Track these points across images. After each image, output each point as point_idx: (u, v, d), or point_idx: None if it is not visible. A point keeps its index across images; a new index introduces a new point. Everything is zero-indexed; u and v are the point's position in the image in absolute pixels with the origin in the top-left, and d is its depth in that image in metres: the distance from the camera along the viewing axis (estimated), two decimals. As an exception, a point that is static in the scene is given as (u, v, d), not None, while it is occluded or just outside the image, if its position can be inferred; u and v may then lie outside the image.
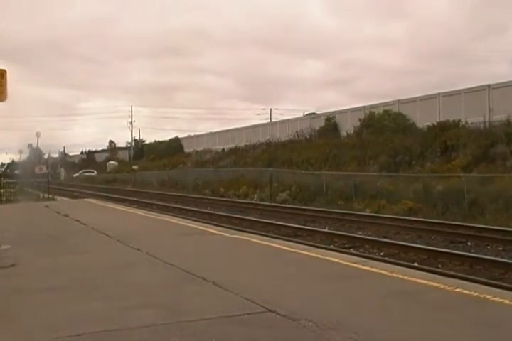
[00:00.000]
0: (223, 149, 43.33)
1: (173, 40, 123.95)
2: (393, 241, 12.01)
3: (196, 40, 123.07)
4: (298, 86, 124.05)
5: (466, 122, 23.41)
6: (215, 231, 10.54)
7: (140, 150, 64.55)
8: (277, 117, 62.43)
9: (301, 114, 46.79)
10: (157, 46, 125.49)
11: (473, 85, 26.15)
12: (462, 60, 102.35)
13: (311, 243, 11.07)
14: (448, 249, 10.98)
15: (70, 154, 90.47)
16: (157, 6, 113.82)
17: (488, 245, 11.55)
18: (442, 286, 5.39)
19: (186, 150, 52.33)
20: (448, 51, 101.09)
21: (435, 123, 24.20)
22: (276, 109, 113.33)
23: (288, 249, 8.16)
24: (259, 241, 9.07)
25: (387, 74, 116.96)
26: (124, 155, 69.70)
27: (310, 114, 43.27)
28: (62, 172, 64.79)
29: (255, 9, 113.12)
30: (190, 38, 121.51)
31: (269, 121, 56.70)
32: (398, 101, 29.93)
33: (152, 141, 64.37)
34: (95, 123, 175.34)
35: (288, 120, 41.58)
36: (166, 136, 59.41)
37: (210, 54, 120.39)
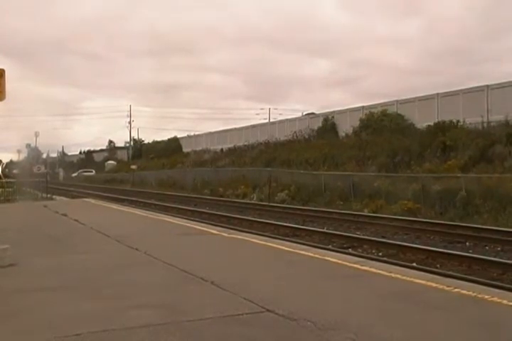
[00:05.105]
0: (222, 149, 43.34)
1: (178, 38, 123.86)
2: (392, 242, 12.02)
3: (201, 39, 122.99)
4: (304, 85, 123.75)
5: (465, 122, 23.45)
6: (213, 231, 10.54)
7: (139, 150, 64.52)
8: (276, 117, 62.45)
9: (301, 114, 46.84)
10: (162, 44, 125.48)
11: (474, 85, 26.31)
12: (473, 59, 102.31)
13: (309, 243, 11.07)
14: (446, 249, 11.00)
15: (69, 154, 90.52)
16: (161, 4, 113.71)
17: (486, 245, 11.56)
18: (441, 286, 5.40)
19: (185, 150, 52.32)
20: (458, 50, 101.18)
21: (434, 123, 24.24)
22: (275, 108, 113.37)
23: (287, 249, 8.17)
24: (257, 241, 9.07)
25: (396, 73, 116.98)
26: (123, 155, 69.70)
27: (309, 113, 43.28)
28: (61, 171, 64.72)
29: (263, 7, 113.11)
30: (196, 36, 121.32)
31: (268, 121, 56.74)
32: (397, 101, 29.98)
33: (154, 141, 64.27)
34: (96, 123, 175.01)
35: (287, 120, 41.60)
36: (169, 136, 59.33)
37: (215, 52, 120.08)
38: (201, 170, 36.54)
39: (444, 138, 21.87)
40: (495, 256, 10.24)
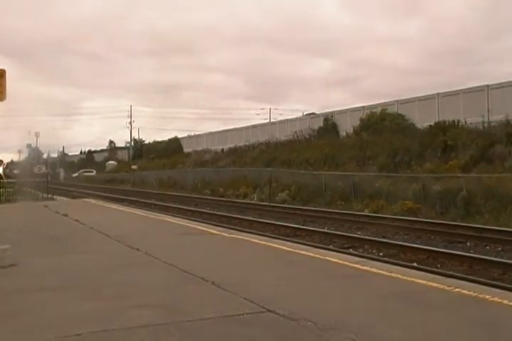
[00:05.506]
0: (222, 149, 43.33)
1: (178, 38, 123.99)
2: (392, 242, 12.01)
3: (201, 39, 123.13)
4: (304, 85, 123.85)
5: (465, 122, 23.45)
6: (214, 231, 10.54)
7: (139, 150, 64.53)
8: (276, 117, 62.43)
9: (301, 114, 46.83)
10: (162, 44, 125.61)
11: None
12: (473, 59, 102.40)
13: (310, 243, 11.06)
14: (447, 249, 10.99)
15: (70, 154, 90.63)
16: (161, 4, 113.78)
17: (487, 245, 11.55)
18: (441, 286, 5.39)
19: (186, 150, 52.31)
20: (458, 50, 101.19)
21: (434, 123, 24.24)
22: (276, 109, 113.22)
23: (287, 249, 8.16)
24: (258, 241, 9.06)
25: (396, 73, 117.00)
26: (123, 155, 69.72)
27: (309, 113, 43.28)
28: (62, 172, 64.77)
29: (263, 7, 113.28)
30: (196, 36, 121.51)
31: (268, 121, 56.73)
32: (397, 101, 29.96)
33: (155, 141, 64.24)
34: (96, 123, 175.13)
35: (287, 120, 41.59)
36: (169, 136, 59.42)
37: (215, 52, 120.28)
38: (202, 170, 36.54)
39: (445, 138, 21.87)
40: (496, 256, 10.22)
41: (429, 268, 8.84)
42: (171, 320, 4.30)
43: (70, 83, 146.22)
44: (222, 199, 26.63)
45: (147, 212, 16.66)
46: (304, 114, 45.98)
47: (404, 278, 5.85)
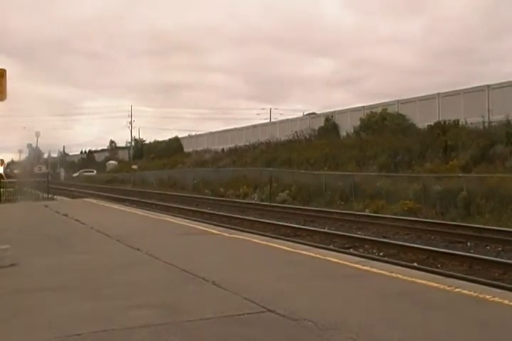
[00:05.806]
0: (223, 149, 43.33)
1: (179, 38, 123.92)
2: (393, 242, 12.01)
3: (202, 39, 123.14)
4: (305, 85, 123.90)
5: (466, 122, 23.44)
6: (214, 231, 10.54)
7: (140, 150, 64.53)
8: (277, 117, 62.41)
9: (302, 114, 46.80)
10: (162, 44, 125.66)
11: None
12: (474, 59, 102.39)
13: (310, 243, 11.06)
14: (447, 249, 10.99)
15: (70, 154, 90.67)
16: (161, 3, 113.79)
17: (487, 245, 11.55)
18: (442, 286, 5.39)
19: (186, 150, 52.34)
20: (460, 50, 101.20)
21: (434, 123, 24.24)
22: (276, 108, 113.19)
23: (288, 249, 8.16)
24: (259, 241, 9.06)
25: (397, 73, 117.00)
26: (124, 155, 69.74)
27: (310, 113, 43.26)
28: (62, 171, 64.81)
29: (265, 7, 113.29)
30: (197, 36, 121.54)
31: (269, 120, 56.70)
32: (398, 101, 29.96)
33: (155, 140, 64.20)
34: (97, 123, 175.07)
35: (288, 120, 41.57)
36: (170, 136, 59.41)
37: (217, 52, 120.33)
38: (202, 170, 36.53)
39: (446, 138, 21.87)
40: (496, 256, 10.22)
41: (429, 268, 8.84)
42: (171, 319, 4.30)
43: (71, 83, 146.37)
44: (223, 199, 26.64)
45: (148, 212, 16.65)
46: (305, 113, 45.98)
47: (405, 278, 5.85)
